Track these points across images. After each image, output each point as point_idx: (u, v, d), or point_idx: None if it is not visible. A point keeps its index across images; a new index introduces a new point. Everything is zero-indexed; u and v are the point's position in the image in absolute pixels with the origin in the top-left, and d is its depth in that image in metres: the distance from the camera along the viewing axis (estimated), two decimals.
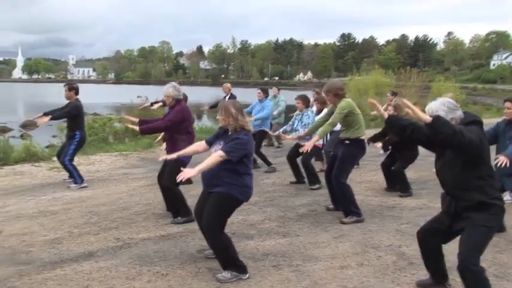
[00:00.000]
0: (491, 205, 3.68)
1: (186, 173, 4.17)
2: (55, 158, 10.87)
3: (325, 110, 9.16)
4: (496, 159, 5.32)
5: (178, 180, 4.18)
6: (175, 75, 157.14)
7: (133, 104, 28.24)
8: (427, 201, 7.42)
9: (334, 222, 6.33)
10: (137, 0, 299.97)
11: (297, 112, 8.66)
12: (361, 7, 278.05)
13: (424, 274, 4.49)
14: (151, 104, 10.76)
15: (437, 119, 3.39)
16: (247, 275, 4.51)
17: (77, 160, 9.90)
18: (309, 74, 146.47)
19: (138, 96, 43.89)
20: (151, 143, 13.32)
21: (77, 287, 4.34)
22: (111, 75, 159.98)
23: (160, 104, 10.18)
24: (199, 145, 4.87)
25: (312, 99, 9.67)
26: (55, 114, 8.30)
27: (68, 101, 8.49)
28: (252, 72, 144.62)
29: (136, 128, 6.40)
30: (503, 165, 5.27)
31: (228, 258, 4.48)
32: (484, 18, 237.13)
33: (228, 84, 12.73)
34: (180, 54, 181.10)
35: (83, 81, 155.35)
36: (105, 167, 10.45)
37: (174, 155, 4.95)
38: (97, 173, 9.63)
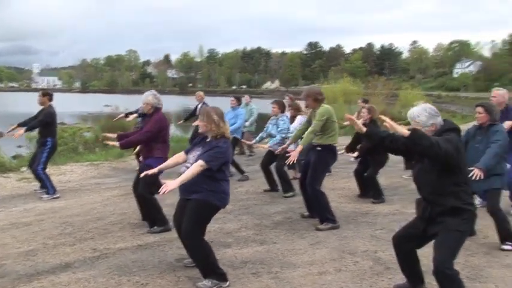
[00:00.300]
0: (465, 210, 3.80)
1: (168, 186, 4.19)
2: (24, 169, 10.72)
3: (298, 117, 9.29)
4: (470, 171, 5.45)
5: (161, 193, 4.19)
6: (142, 84, 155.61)
7: (102, 113, 28.03)
8: (399, 207, 7.58)
9: (310, 229, 6.40)
10: (104, 9, 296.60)
11: (272, 117, 8.73)
12: (327, 16, 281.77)
13: (400, 278, 4.59)
14: (126, 115, 10.72)
15: (414, 132, 3.50)
16: (228, 283, 4.53)
17: (47, 170, 9.74)
18: (277, 82, 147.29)
19: (105, 105, 43.42)
20: (122, 152, 13.20)
21: None
22: (77, 84, 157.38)
23: (135, 115, 10.16)
24: (179, 156, 4.87)
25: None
26: (30, 125, 8.19)
27: (41, 107, 8.37)
28: (219, 80, 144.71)
29: (116, 144, 6.37)
30: (477, 178, 5.41)
31: (208, 265, 4.50)
32: (447, 28, 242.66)
33: (201, 93, 12.79)
34: (147, 63, 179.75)
35: (48, 90, 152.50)
36: (77, 177, 10.32)
37: (155, 170, 4.95)
38: (68, 183, 9.51)
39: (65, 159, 12.26)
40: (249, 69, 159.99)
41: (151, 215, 6.32)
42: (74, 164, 11.80)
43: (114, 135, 6.58)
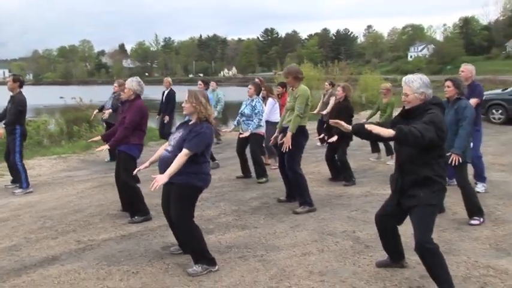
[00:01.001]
0: (436, 182, 4.02)
1: (158, 180, 4.30)
2: None
3: (270, 100, 9.42)
4: (448, 155, 5.75)
5: (152, 189, 4.27)
6: (97, 74, 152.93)
7: (59, 106, 27.44)
8: (370, 188, 7.87)
9: (288, 213, 6.60)
10: None
11: (247, 97, 8.85)
12: (282, 2, 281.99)
13: (380, 255, 4.86)
14: (100, 110, 10.66)
15: (399, 132, 3.71)
16: (217, 267, 4.68)
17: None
18: (234, 69, 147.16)
19: (60, 97, 42.39)
20: (89, 144, 13.09)
21: None
22: (30, 77, 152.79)
23: (110, 110, 10.11)
24: (166, 146, 4.94)
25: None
26: (7, 120, 8.05)
27: (11, 94, 8.23)
28: (176, 69, 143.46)
29: (106, 147, 6.40)
30: (456, 163, 5.75)
31: (200, 249, 4.64)
32: (400, 13, 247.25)
33: (169, 79, 12.81)
34: (102, 53, 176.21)
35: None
36: (47, 171, 10.21)
37: (147, 164, 5.03)
38: (39, 177, 9.41)
39: (31, 153, 12.04)
40: (205, 57, 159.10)
41: (134, 204, 6.38)
42: (41, 157, 11.63)
43: (98, 138, 6.61)
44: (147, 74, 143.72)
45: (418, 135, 3.70)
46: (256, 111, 8.47)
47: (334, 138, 8.04)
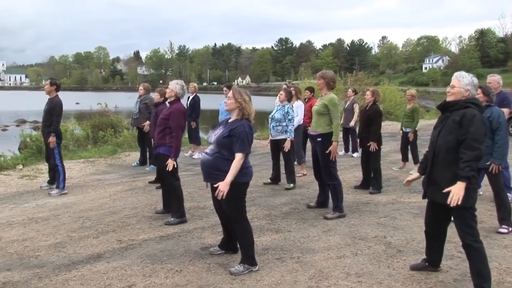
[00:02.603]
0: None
1: (223, 188, 4.56)
2: (20, 166, 10.86)
3: (297, 103, 9.70)
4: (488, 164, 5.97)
5: (219, 197, 4.56)
6: (112, 81, 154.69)
7: (75, 111, 27.85)
8: (396, 196, 8.05)
9: (319, 219, 6.79)
10: (69, 5, 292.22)
11: (277, 102, 9.07)
12: (297, 12, 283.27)
13: (413, 259, 5.05)
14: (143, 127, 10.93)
15: (470, 173, 4.02)
16: (257, 267, 4.89)
17: (45, 168, 9.92)
18: (247, 78, 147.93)
19: (76, 103, 42.75)
20: (115, 149, 13.42)
21: (99, 286, 4.57)
22: (45, 82, 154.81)
23: (148, 122, 10.37)
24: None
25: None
26: (53, 128, 8.39)
27: (49, 97, 8.55)
28: (190, 77, 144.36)
29: (171, 163, 6.45)
30: (496, 171, 6.06)
31: (251, 244, 4.87)
32: (414, 24, 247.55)
33: (195, 84, 12.99)
34: (117, 59, 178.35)
35: (16, 88, 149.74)
36: (77, 174, 10.50)
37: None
38: (71, 180, 9.67)
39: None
40: (219, 65, 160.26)
41: (173, 204, 6.65)
42: (68, 161, 11.89)
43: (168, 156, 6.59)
44: (161, 81, 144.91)
45: (479, 157, 4.01)
46: (289, 117, 8.67)
47: (374, 146, 8.31)
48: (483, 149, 4.06)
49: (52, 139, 8.30)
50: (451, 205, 4.00)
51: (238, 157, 4.64)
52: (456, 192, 4.00)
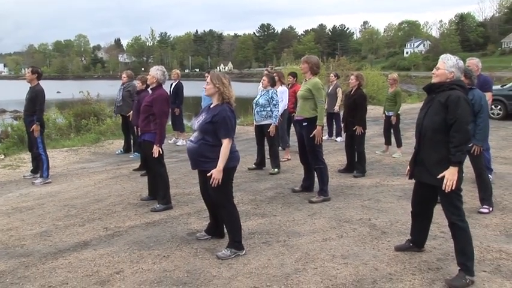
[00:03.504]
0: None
1: (216, 176, 4.62)
2: (2, 156, 10.75)
3: (281, 88, 9.74)
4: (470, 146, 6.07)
5: (213, 185, 4.62)
6: (93, 69, 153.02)
7: (56, 100, 27.52)
8: (379, 179, 8.15)
9: (304, 202, 6.86)
10: None
11: (261, 88, 9.08)
12: None
13: (398, 240, 5.14)
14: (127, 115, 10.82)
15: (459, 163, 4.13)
16: (244, 251, 4.93)
17: (28, 157, 9.85)
18: (230, 64, 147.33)
19: (57, 92, 42.16)
20: (98, 137, 13.34)
21: (86, 273, 4.57)
22: (25, 71, 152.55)
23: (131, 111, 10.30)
24: None
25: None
26: (37, 117, 8.30)
27: (30, 85, 8.45)
28: (172, 64, 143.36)
29: (157, 150, 6.47)
30: (477, 152, 6.16)
31: (239, 227, 4.91)
32: (397, 9, 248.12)
33: (177, 70, 12.97)
34: (98, 47, 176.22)
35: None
36: (60, 163, 10.43)
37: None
38: (55, 169, 9.61)
39: None
40: (201, 52, 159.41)
41: (159, 191, 6.65)
42: (51, 150, 11.79)
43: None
44: (143, 69, 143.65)
45: (468, 139, 4.16)
46: (274, 102, 8.70)
47: (360, 130, 8.44)
48: (470, 130, 4.13)
49: (36, 127, 8.22)
50: (446, 191, 4.10)
51: (225, 143, 4.67)
52: (450, 178, 4.09)
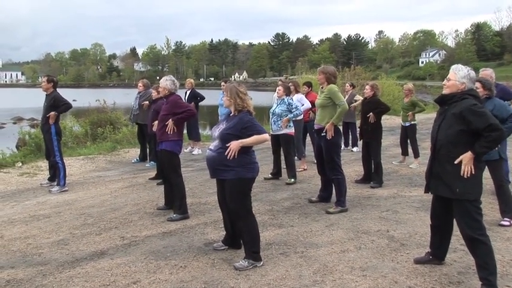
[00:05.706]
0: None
1: (234, 147, 4.65)
2: (19, 164, 10.84)
3: (297, 96, 9.75)
4: None
5: (230, 157, 4.63)
6: (109, 77, 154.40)
7: (73, 107, 27.68)
8: (396, 190, 8.06)
9: (321, 213, 6.80)
10: (64, 1, 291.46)
11: (276, 97, 9.04)
12: (293, 7, 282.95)
13: (417, 253, 5.06)
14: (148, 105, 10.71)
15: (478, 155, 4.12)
16: (262, 263, 4.89)
17: (45, 165, 9.92)
18: (244, 73, 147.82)
19: (73, 100, 42.51)
20: (114, 145, 13.40)
21: (103, 283, 4.56)
22: (42, 79, 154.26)
23: (147, 102, 10.37)
24: None
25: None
26: (59, 110, 8.43)
27: (46, 94, 8.52)
28: (187, 73, 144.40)
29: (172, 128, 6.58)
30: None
31: (257, 239, 4.87)
32: (412, 18, 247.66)
33: (191, 80, 13.02)
34: (114, 56, 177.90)
35: (12, 85, 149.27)
36: (77, 171, 10.48)
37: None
38: (71, 177, 9.65)
39: None
40: (216, 61, 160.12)
41: (176, 201, 6.64)
42: (68, 158, 11.87)
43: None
44: (158, 77, 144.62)
45: (503, 139, 4.25)
46: (293, 106, 8.70)
47: (373, 118, 8.46)
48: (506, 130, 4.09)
49: (53, 115, 8.30)
50: (465, 176, 4.11)
51: (263, 136, 4.75)
52: (465, 163, 4.10)
